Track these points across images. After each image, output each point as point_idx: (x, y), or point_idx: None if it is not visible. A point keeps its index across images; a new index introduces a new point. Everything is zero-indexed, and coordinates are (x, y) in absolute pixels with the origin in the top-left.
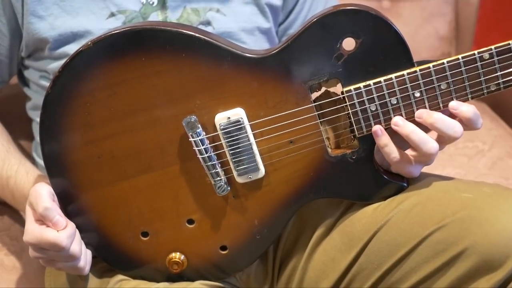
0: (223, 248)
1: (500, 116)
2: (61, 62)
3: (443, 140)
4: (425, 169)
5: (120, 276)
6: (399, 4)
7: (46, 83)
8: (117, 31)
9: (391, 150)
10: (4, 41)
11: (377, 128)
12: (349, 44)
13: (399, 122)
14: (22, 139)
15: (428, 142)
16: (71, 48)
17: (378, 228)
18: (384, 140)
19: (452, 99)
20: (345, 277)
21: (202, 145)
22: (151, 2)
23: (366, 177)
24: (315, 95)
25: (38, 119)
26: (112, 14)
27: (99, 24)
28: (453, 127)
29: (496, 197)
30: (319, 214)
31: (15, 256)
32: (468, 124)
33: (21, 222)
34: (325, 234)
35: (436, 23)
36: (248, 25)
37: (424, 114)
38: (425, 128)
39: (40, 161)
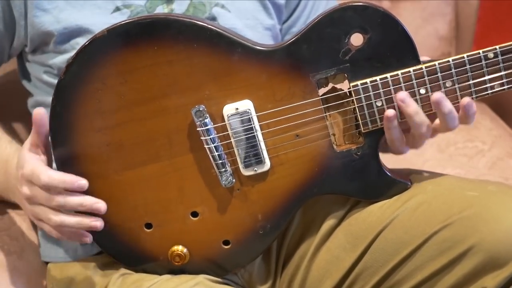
0: (226, 242)
1: (500, 116)
2: (66, 56)
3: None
4: (427, 170)
5: (122, 270)
6: (399, 4)
7: (50, 79)
8: (132, 20)
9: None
10: None
11: (392, 113)
12: (357, 39)
13: (406, 98)
14: (23, 136)
15: (425, 122)
16: (77, 42)
17: (383, 227)
18: (395, 123)
19: (457, 98)
20: (349, 275)
21: (210, 135)
22: None
23: (370, 173)
24: (322, 91)
25: None
26: (118, 9)
27: (103, 18)
28: (456, 119)
29: (502, 195)
30: (323, 213)
31: (15, 256)
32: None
33: (22, 222)
34: (329, 233)
35: (436, 23)
36: (251, 21)
37: (439, 96)
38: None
39: None
